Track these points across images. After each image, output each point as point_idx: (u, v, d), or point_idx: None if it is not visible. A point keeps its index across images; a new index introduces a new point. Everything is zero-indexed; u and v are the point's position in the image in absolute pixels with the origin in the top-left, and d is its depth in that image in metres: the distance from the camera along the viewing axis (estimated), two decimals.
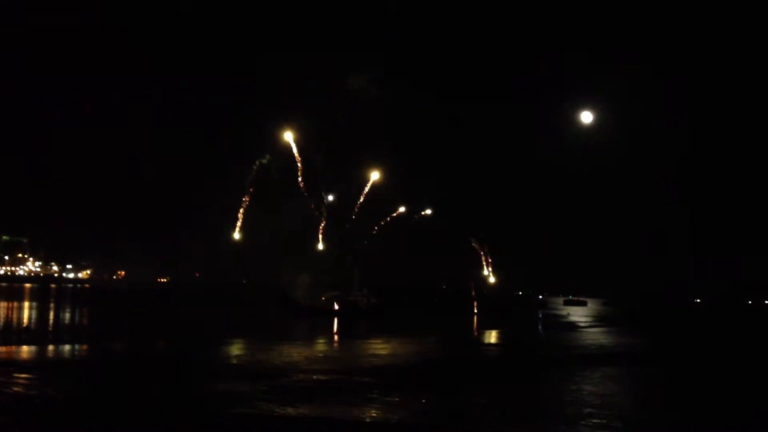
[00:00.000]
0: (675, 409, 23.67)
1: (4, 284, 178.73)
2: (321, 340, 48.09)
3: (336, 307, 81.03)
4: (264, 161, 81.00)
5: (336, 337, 53.29)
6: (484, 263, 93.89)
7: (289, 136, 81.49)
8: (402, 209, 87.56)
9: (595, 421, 20.00)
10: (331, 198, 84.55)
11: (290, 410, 20.13)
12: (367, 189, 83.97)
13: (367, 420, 19.33)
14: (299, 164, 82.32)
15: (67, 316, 67.44)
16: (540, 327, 74.74)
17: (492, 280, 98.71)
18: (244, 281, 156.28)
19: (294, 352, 36.16)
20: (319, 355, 36.59)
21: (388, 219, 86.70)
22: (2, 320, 56.23)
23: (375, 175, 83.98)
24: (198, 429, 17.76)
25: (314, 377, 26.73)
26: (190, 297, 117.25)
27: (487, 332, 61.44)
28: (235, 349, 38.24)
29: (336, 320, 70.77)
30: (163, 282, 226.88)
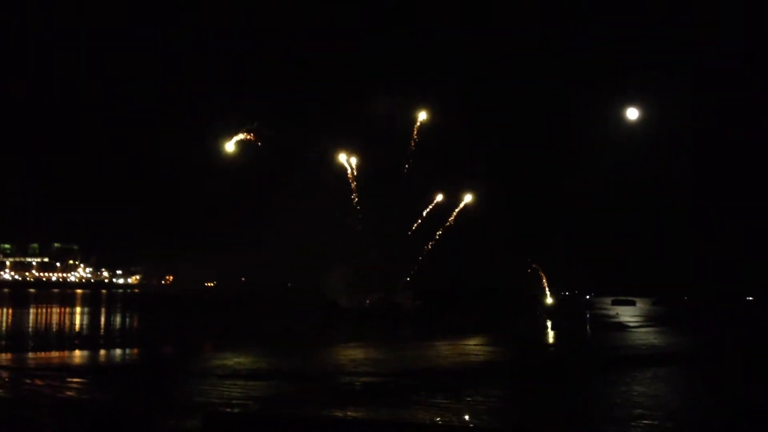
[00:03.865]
0: (728, 410, 23.03)
1: (56, 290, 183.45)
2: (366, 343, 48.13)
3: (380, 309, 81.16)
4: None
5: (381, 340, 53.30)
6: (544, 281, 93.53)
7: (343, 158, 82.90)
8: (440, 197, 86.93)
9: (646, 422, 19.58)
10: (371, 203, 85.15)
11: (337, 412, 20.18)
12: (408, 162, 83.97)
13: (414, 422, 19.24)
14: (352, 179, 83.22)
15: (118, 321, 68.80)
16: (588, 327, 73.67)
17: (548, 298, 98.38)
18: (289, 285, 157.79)
19: (339, 355, 36.28)
20: (364, 358, 36.60)
21: (429, 208, 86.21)
22: (55, 326, 57.62)
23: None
24: (245, 430, 17.86)
25: (360, 380, 26.75)
26: (236, 301, 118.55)
27: (533, 334, 60.78)
28: (281, 353, 38.48)
29: (381, 323, 70.81)
30: (210, 286, 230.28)
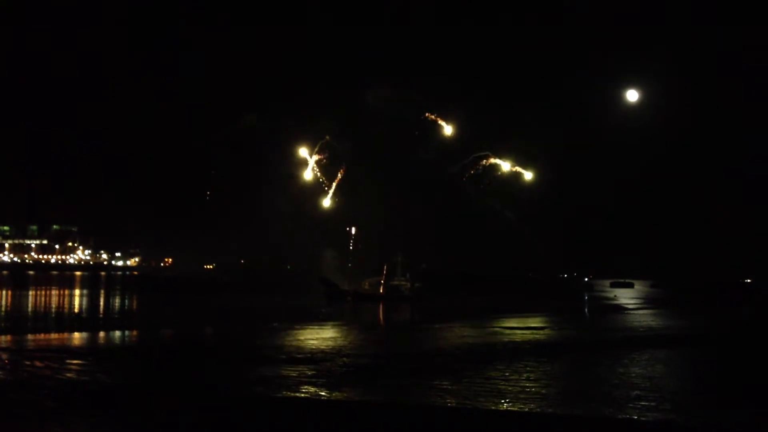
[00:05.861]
0: (725, 392, 23.14)
1: (55, 272, 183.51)
2: (364, 325, 48.25)
3: (379, 292, 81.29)
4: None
5: (379, 322, 53.45)
6: None
7: (305, 152, 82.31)
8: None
9: (643, 403, 19.66)
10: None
11: (335, 394, 20.25)
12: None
13: (411, 403, 19.31)
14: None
15: (117, 303, 68.91)
16: (586, 309, 73.89)
17: None
18: (288, 267, 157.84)
19: (338, 337, 36.34)
20: (362, 340, 36.70)
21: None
22: (55, 308, 57.68)
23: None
24: (245, 412, 17.94)
25: (358, 362, 26.81)
26: (235, 283, 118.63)
27: (531, 316, 60.90)
28: (280, 335, 38.57)
29: (379, 305, 71.00)
30: (209, 269, 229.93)
